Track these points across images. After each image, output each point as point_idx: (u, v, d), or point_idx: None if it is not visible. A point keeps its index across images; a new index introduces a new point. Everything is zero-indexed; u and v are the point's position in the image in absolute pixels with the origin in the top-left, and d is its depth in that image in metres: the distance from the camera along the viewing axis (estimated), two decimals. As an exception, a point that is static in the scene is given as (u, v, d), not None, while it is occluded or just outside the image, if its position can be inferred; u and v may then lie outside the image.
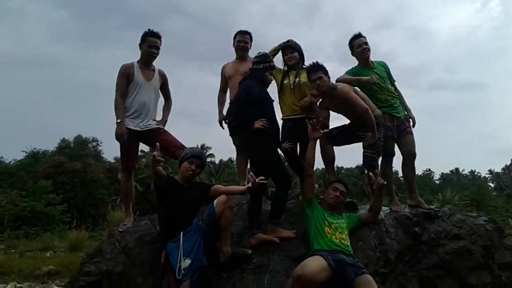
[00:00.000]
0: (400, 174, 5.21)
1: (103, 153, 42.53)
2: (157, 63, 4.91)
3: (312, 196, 4.01)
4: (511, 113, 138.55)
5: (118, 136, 4.52)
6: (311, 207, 3.94)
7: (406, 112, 4.97)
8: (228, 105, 5.30)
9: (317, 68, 4.42)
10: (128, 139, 4.54)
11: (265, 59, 4.37)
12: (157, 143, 3.89)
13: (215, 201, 3.64)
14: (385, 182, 4.01)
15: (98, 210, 29.59)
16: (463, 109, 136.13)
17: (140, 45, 4.75)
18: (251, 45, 5.32)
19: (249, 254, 3.76)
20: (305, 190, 4.09)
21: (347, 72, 4.90)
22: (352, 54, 4.98)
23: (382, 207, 4.61)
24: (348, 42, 5.00)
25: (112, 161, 41.39)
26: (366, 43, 4.90)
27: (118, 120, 4.52)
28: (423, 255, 4.13)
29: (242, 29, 5.31)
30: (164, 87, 5.01)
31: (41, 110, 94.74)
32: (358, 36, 4.94)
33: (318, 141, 4.54)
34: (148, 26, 4.80)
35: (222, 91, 5.43)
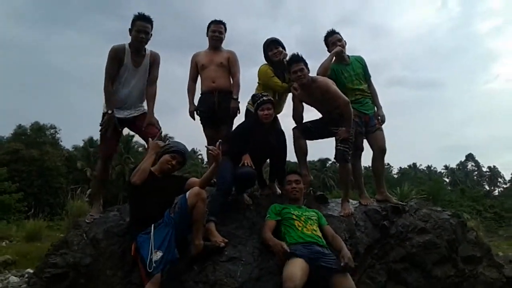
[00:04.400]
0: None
1: (61, 141, 41.55)
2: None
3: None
4: (466, 111, 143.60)
5: (106, 127, 4.42)
6: (279, 216, 3.94)
7: (375, 109, 5.03)
8: (200, 95, 5.20)
9: (299, 59, 4.43)
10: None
11: (253, 100, 4.55)
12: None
13: (187, 193, 3.58)
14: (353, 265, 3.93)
15: (56, 199, 28.80)
16: (420, 106, 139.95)
17: (130, 30, 4.48)
18: (225, 36, 5.22)
19: (221, 247, 3.73)
20: None
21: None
22: (328, 51, 5.00)
23: (351, 201, 4.70)
24: (323, 39, 5.06)
25: (71, 149, 40.50)
26: (340, 40, 4.95)
27: (110, 111, 4.39)
28: (391, 248, 4.23)
29: (217, 19, 5.21)
30: (151, 70, 4.66)
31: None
32: (332, 33, 5.00)
33: (292, 134, 4.62)
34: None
35: (192, 80, 5.28)
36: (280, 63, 4.87)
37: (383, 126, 4.96)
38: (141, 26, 4.43)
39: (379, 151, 4.87)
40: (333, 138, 4.58)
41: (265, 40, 5.07)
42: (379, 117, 4.96)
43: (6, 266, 8.78)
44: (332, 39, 4.96)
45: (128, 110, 4.57)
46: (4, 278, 7.74)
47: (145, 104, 4.69)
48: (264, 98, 4.42)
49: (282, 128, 4.91)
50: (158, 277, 3.20)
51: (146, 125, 4.46)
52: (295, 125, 4.80)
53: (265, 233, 3.78)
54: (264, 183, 4.93)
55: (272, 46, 4.94)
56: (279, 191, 4.75)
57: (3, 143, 35.94)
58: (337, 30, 5.04)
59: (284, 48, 4.98)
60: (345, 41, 5.00)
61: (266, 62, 5.01)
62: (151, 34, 4.52)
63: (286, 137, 4.63)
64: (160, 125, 4.60)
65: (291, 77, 4.56)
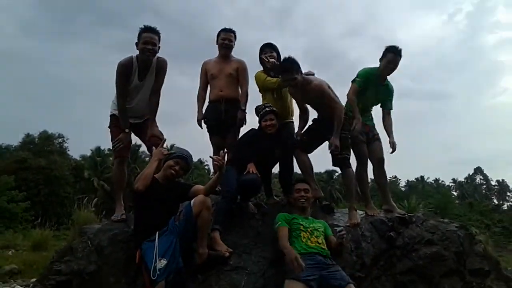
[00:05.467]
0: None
1: (68, 150, 41.80)
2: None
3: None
4: (474, 124, 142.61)
5: (121, 144, 4.47)
6: (289, 224, 3.85)
7: (374, 123, 5.06)
8: (207, 104, 5.24)
9: (290, 69, 4.36)
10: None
11: (257, 111, 4.65)
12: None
13: (192, 201, 3.58)
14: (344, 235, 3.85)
15: (62, 208, 28.88)
16: (428, 118, 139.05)
17: (136, 44, 4.32)
18: (234, 44, 5.23)
19: (226, 257, 3.70)
20: None
21: (362, 71, 4.83)
22: (380, 60, 4.78)
23: (358, 211, 4.65)
24: (386, 47, 4.76)
25: (78, 158, 40.67)
26: (396, 64, 4.73)
27: (126, 130, 4.45)
28: (397, 259, 4.17)
29: (227, 27, 5.23)
30: (156, 78, 4.49)
31: (4, 104, 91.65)
32: (398, 53, 4.70)
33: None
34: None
35: (202, 88, 5.31)
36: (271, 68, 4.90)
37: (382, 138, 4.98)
38: (148, 37, 4.27)
39: (378, 161, 4.90)
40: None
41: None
42: (391, 144, 4.92)
43: (12, 275, 8.77)
44: (393, 60, 4.69)
45: (134, 118, 4.58)
46: (10, 288, 7.74)
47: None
48: (267, 109, 4.49)
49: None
50: (162, 285, 3.17)
51: (149, 137, 4.44)
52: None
53: (283, 240, 3.64)
54: (270, 193, 4.91)
55: (266, 49, 4.99)
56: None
57: (11, 152, 36.16)
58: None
59: (278, 53, 5.00)
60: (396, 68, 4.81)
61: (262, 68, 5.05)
62: (159, 46, 4.38)
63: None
64: (163, 134, 4.53)
65: (284, 85, 4.63)
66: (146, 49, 4.27)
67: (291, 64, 4.37)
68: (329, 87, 4.54)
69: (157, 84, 4.53)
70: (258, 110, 4.61)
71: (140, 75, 4.42)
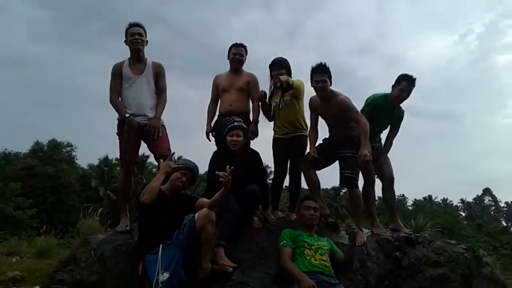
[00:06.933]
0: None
1: (77, 159, 42.03)
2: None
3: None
4: (484, 145, 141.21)
5: (129, 131, 4.48)
6: (294, 243, 3.82)
7: (381, 144, 5.04)
8: (217, 117, 5.25)
9: (325, 70, 4.37)
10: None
11: (225, 124, 4.47)
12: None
13: (196, 215, 3.56)
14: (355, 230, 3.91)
15: (68, 216, 28.94)
16: (437, 138, 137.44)
17: (125, 41, 4.65)
18: (245, 58, 5.26)
19: (229, 272, 3.66)
20: None
21: (370, 99, 4.84)
22: (392, 87, 4.76)
23: (364, 229, 4.61)
24: (400, 75, 4.73)
25: (86, 167, 40.85)
26: (409, 93, 4.72)
27: (127, 115, 4.49)
28: (403, 280, 4.12)
29: (238, 42, 5.25)
30: (157, 81, 4.71)
31: (14, 110, 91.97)
32: (412, 82, 4.69)
33: (301, 167, 4.71)
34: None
35: (213, 102, 5.33)
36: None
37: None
38: (134, 30, 4.58)
39: (386, 180, 4.90)
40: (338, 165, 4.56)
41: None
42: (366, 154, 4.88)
43: (15, 282, 8.78)
44: (406, 88, 4.66)
45: (139, 116, 4.59)
46: (13, 295, 7.76)
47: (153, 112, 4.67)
48: (235, 124, 4.36)
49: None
50: (164, 299, 3.15)
51: (157, 145, 4.53)
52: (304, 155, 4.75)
53: (288, 263, 3.62)
54: (265, 205, 4.77)
55: (275, 67, 4.94)
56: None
57: (19, 159, 36.42)
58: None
59: (288, 68, 4.96)
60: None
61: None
62: (147, 41, 4.67)
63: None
64: (170, 150, 4.58)
65: (311, 85, 4.49)
66: (134, 40, 4.56)
67: (326, 68, 4.38)
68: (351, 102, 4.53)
69: (160, 87, 4.74)
70: (226, 123, 4.46)
71: (135, 70, 4.63)
